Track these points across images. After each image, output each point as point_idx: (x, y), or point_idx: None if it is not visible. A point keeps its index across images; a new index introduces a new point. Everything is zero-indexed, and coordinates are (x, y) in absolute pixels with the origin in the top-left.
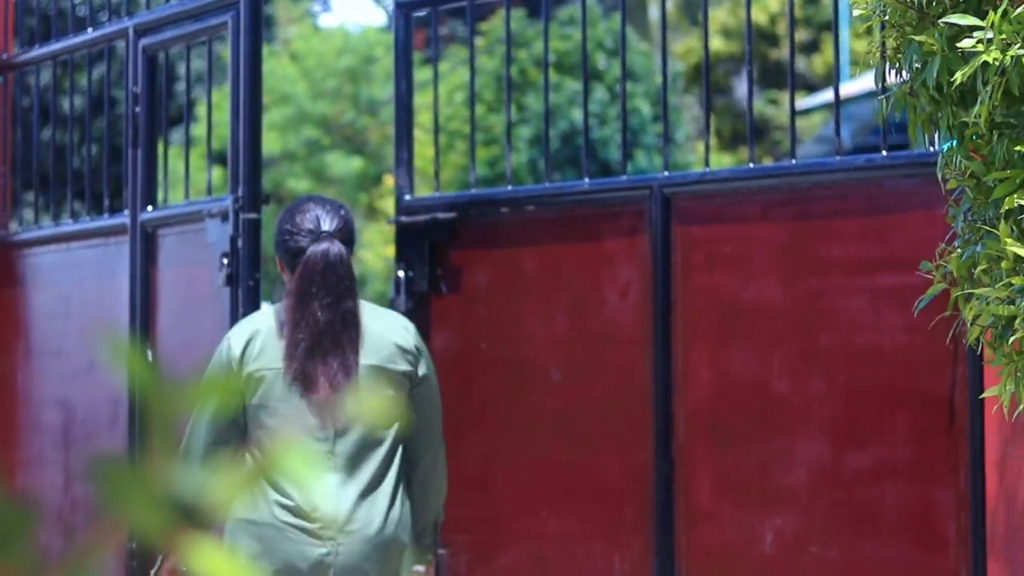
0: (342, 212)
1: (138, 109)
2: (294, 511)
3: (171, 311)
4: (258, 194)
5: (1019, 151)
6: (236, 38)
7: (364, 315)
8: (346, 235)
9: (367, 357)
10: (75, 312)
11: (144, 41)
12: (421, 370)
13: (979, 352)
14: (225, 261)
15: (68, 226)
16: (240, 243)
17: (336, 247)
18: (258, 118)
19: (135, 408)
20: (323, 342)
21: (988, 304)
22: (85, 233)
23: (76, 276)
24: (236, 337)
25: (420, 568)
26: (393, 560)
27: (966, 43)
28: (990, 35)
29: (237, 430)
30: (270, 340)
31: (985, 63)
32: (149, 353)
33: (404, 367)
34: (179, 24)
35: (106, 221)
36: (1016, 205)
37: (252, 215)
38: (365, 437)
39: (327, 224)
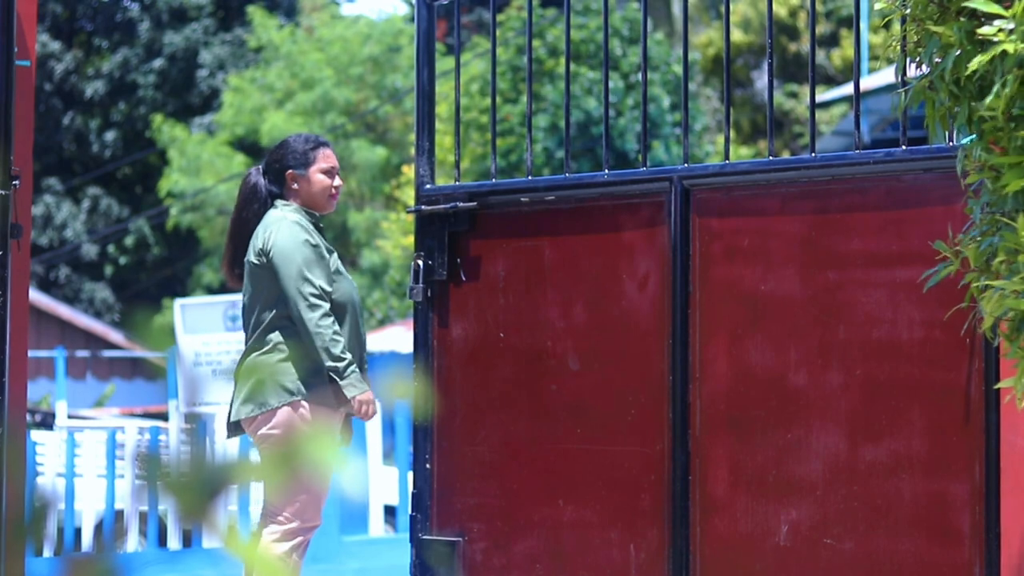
0: None
1: None
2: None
3: None
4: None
5: None
6: None
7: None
8: None
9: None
10: None
11: None
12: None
13: (996, 346)
14: None
15: None
16: None
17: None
18: (9, 92)
19: None
20: None
21: (1004, 294)
22: None
23: None
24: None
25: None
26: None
27: (987, 30)
28: (1011, 25)
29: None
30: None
31: (1004, 54)
32: None
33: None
34: None
35: None
36: None
37: None
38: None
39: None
